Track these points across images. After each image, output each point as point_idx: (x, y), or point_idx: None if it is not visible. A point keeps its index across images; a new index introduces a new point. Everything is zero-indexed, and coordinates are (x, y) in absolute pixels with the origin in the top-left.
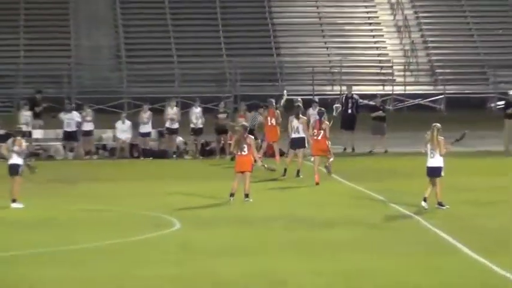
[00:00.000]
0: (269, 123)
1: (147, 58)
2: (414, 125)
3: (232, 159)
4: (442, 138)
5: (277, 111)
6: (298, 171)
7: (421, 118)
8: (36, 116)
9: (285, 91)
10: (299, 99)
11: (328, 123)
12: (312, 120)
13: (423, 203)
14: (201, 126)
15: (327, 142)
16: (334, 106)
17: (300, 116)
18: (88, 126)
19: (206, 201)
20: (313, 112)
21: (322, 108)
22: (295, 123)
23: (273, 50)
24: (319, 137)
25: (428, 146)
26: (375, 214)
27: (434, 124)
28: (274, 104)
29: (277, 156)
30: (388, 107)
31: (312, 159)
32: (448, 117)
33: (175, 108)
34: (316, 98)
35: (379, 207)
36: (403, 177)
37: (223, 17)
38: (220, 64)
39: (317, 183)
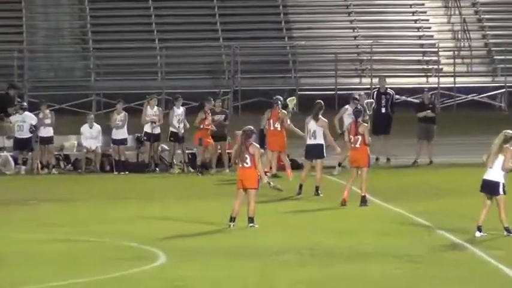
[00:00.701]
0: (272, 128)
1: (120, 43)
2: (466, 128)
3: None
4: (511, 148)
5: (284, 111)
6: (317, 188)
7: (475, 119)
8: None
9: (291, 98)
10: (361, 94)
11: (367, 124)
12: (346, 123)
13: (478, 234)
14: (182, 131)
15: (367, 151)
16: (365, 102)
17: (320, 116)
18: (46, 132)
19: (199, 227)
20: (349, 112)
21: (360, 106)
22: (311, 125)
23: (284, 32)
24: (357, 145)
25: (491, 156)
26: (418, 244)
27: (504, 131)
28: (280, 102)
29: (289, 170)
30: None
31: (335, 172)
32: (510, 118)
33: (156, 108)
34: (359, 93)
35: (423, 234)
36: (453, 195)
37: None
38: (216, 51)
39: (343, 203)
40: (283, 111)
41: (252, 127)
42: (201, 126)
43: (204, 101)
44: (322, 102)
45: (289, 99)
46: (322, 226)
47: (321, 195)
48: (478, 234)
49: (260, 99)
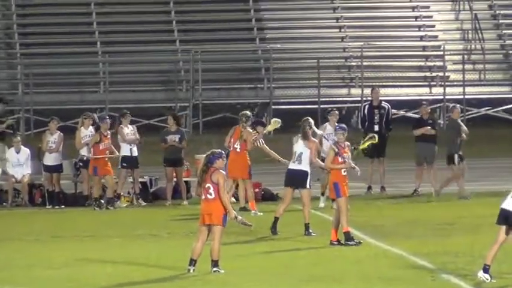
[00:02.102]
0: (231, 148)
1: (54, 48)
2: (479, 149)
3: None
4: None
5: (249, 130)
6: (307, 227)
7: (490, 137)
8: None
9: (276, 120)
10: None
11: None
12: (325, 146)
13: (483, 275)
14: (136, 154)
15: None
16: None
17: (309, 137)
18: None
19: (151, 272)
20: (329, 131)
21: (343, 125)
22: (299, 146)
23: (254, 33)
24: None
25: None
26: None
27: None
28: (246, 118)
29: (252, 202)
30: (439, 121)
31: (321, 203)
32: None
33: (130, 126)
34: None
35: (426, 280)
36: (463, 232)
37: None
38: (172, 56)
39: (335, 242)
40: (248, 129)
41: (218, 150)
42: (91, 155)
43: (100, 121)
44: (310, 119)
45: (274, 120)
46: (303, 271)
47: (314, 234)
48: (483, 275)
49: (226, 114)
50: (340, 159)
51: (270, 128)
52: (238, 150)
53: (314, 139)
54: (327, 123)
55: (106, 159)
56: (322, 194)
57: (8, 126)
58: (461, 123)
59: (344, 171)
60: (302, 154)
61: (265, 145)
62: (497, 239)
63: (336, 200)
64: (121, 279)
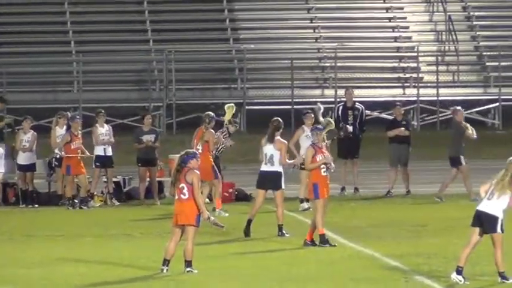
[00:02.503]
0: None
1: (27, 47)
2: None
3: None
4: None
5: (211, 131)
6: (280, 228)
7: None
8: None
9: (229, 105)
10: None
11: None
12: (303, 148)
13: (456, 276)
14: (110, 153)
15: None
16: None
17: (277, 138)
18: None
19: (125, 272)
20: (306, 133)
21: (319, 126)
22: (268, 148)
23: (228, 33)
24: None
25: (492, 186)
26: None
27: (511, 159)
28: (209, 119)
29: (218, 200)
30: (413, 122)
31: (309, 206)
32: (506, 137)
33: (106, 125)
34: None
35: (399, 281)
36: (436, 233)
37: None
38: (145, 56)
39: (309, 242)
40: (211, 131)
41: (192, 150)
42: (63, 153)
43: (70, 120)
44: (280, 120)
45: (227, 106)
46: (277, 271)
47: (287, 235)
48: (456, 277)
49: (199, 115)
50: (318, 159)
51: (227, 116)
52: (200, 151)
53: (282, 140)
54: (303, 125)
55: (78, 158)
56: (305, 200)
57: (7, 124)
58: (467, 125)
59: (324, 172)
60: (273, 156)
61: (229, 141)
62: (470, 240)
63: (313, 201)
64: (94, 279)
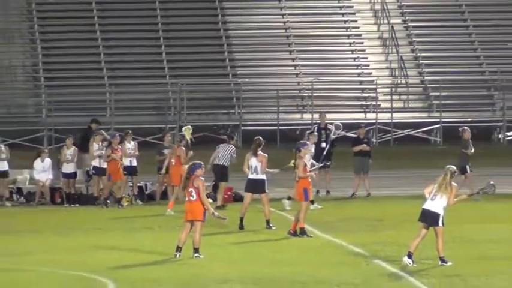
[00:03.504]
0: (173, 163)
1: (71, 81)
2: (403, 162)
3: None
4: (456, 185)
5: (182, 147)
6: (267, 222)
7: (411, 153)
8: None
9: (186, 127)
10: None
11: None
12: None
13: (406, 259)
14: (135, 164)
15: (303, 183)
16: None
17: (259, 152)
18: (1, 166)
19: (146, 257)
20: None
21: (303, 141)
22: (252, 161)
23: (228, 70)
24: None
25: (434, 189)
26: (355, 273)
27: (448, 167)
28: (181, 138)
29: (172, 202)
30: (372, 139)
31: (287, 206)
32: (445, 152)
33: (132, 142)
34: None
35: (361, 264)
36: (391, 226)
37: (166, 28)
38: (163, 88)
39: (293, 233)
40: (182, 148)
41: (198, 161)
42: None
43: (111, 137)
44: (261, 138)
45: (184, 128)
46: (265, 257)
47: (274, 228)
48: (407, 260)
49: (205, 133)
50: (308, 169)
51: (187, 135)
52: (173, 164)
53: (263, 154)
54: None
55: (118, 167)
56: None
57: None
58: (470, 142)
59: (309, 178)
60: (257, 167)
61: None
62: (420, 233)
63: (302, 202)
64: (123, 262)
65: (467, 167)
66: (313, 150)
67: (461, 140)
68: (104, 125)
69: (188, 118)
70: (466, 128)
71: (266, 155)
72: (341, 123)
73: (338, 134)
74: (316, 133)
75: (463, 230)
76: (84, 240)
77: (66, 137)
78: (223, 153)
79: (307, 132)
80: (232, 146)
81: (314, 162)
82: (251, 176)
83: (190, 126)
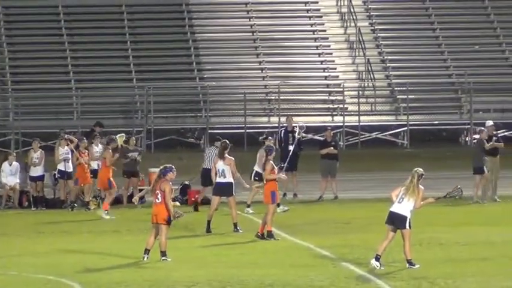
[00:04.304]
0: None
1: (38, 84)
2: (370, 165)
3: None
4: (423, 188)
5: (109, 151)
6: (235, 225)
7: (379, 156)
8: None
9: (120, 135)
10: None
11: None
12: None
13: (374, 262)
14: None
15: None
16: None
17: (226, 155)
18: None
19: (114, 260)
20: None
21: (270, 146)
22: (219, 165)
23: (195, 73)
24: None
25: (401, 191)
26: (323, 276)
27: (415, 169)
28: (109, 141)
29: (106, 203)
30: (340, 142)
31: (250, 210)
32: (412, 154)
33: (100, 145)
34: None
35: (328, 267)
36: (358, 229)
37: (132, 32)
38: (130, 91)
39: (260, 235)
40: (109, 151)
41: (170, 165)
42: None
43: (79, 141)
44: (227, 141)
45: (118, 135)
46: (233, 259)
47: (241, 231)
48: (375, 263)
49: (172, 137)
50: (276, 172)
51: (120, 141)
52: (99, 167)
53: (230, 157)
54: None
55: (85, 170)
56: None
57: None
58: (486, 142)
59: (276, 181)
60: (224, 170)
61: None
62: (387, 236)
63: (269, 205)
64: (90, 265)
65: (484, 167)
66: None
67: (478, 140)
68: (71, 129)
69: (155, 121)
70: (482, 128)
71: (233, 158)
72: (308, 125)
73: (302, 134)
74: (271, 138)
75: (430, 233)
76: (51, 243)
77: (33, 140)
78: (209, 157)
79: (261, 138)
80: (215, 148)
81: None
82: (219, 180)
83: (124, 135)
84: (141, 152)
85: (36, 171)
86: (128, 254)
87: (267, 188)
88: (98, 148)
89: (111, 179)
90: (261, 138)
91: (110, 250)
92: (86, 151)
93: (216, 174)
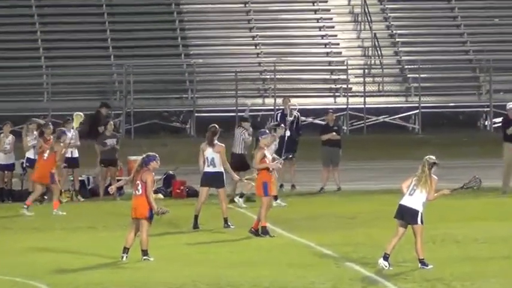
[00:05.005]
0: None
1: (3, 62)
2: (378, 152)
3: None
4: (436, 178)
5: (61, 143)
6: (225, 220)
7: (387, 142)
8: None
9: (77, 113)
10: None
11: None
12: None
13: (382, 262)
14: (76, 155)
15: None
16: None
17: (216, 142)
18: None
19: (89, 260)
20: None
21: (262, 130)
22: (208, 152)
23: (180, 49)
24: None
25: (412, 182)
26: (325, 277)
27: (427, 157)
28: (61, 133)
29: (55, 202)
30: (343, 127)
31: (242, 204)
32: (425, 140)
33: (72, 131)
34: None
35: (331, 267)
36: (364, 225)
37: (109, 3)
38: (107, 69)
39: (255, 231)
40: (60, 143)
41: (153, 153)
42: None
43: (43, 127)
44: (216, 126)
45: (75, 114)
46: (223, 259)
47: (232, 226)
48: (383, 263)
49: (154, 121)
50: (266, 160)
51: (74, 124)
52: (45, 158)
53: (221, 144)
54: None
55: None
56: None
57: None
58: None
59: (270, 171)
60: (214, 158)
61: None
62: (396, 232)
63: (262, 197)
64: (63, 265)
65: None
66: (277, 144)
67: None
68: (41, 112)
69: (135, 103)
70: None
71: (223, 145)
72: (307, 108)
73: (295, 116)
74: (283, 126)
75: (444, 229)
76: (19, 241)
77: (3, 124)
78: (238, 139)
79: (271, 124)
80: (243, 129)
81: (276, 156)
82: (207, 169)
83: (81, 114)
84: (119, 138)
85: (7, 158)
86: (105, 253)
87: (259, 179)
88: (70, 134)
89: (55, 172)
90: (271, 124)
91: (85, 249)
92: (51, 137)
93: (204, 163)
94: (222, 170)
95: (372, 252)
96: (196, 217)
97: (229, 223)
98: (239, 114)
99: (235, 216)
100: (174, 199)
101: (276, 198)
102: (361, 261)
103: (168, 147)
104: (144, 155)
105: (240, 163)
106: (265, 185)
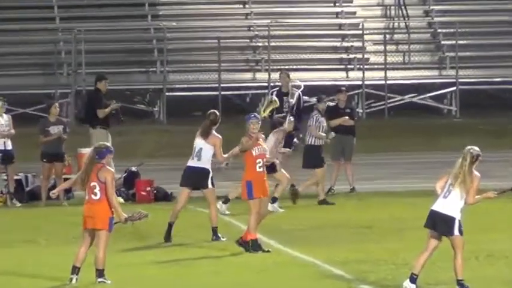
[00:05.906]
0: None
1: None
2: (402, 142)
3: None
4: (479, 176)
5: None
6: (214, 230)
7: (415, 128)
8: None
9: None
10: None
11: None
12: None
13: (408, 284)
14: (10, 147)
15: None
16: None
17: (213, 132)
18: None
19: (29, 282)
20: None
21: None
22: (198, 142)
23: (146, 9)
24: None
25: (448, 181)
26: None
27: (469, 147)
28: None
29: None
30: (357, 110)
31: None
32: (463, 126)
33: (5, 115)
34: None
35: None
36: (384, 236)
37: None
38: (51, 36)
39: (242, 243)
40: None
41: (108, 144)
42: None
43: None
44: (217, 113)
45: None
46: (202, 281)
47: (223, 239)
48: (410, 286)
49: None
50: (254, 153)
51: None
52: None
53: (217, 135)
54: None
55: None
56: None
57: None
58: None
59: (260, 167)
60: (202, 150)
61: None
62: (427, 246)
63: (247, 201)
64: None
65: None
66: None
67: None
68: None
69: (88, 80)
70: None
71: (220, 137)
72: (311, 85)
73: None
74: (292, 118)
75: (488, 242)
76: None
77: None
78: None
79: (276, 116)
80: (316, 113)
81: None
82: (190, 163)
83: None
84: (67, 125)
85: None
86: (49, 273)
87: (243, 177)
88: (2, 119)
89: None
90: (276, 116)
91: (21, 268)
92: None
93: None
94: (209, 166)
95: (395, 272)
96: (170, 226)
97: (219, 234)
98: (223, 93)
99: (222, 226)
100: (138, 203)
101: (273, 200)
102: (381, 283)
103: (126, 137)
104: (96, 145)
105: (313, 156)
106: (249, 185)
